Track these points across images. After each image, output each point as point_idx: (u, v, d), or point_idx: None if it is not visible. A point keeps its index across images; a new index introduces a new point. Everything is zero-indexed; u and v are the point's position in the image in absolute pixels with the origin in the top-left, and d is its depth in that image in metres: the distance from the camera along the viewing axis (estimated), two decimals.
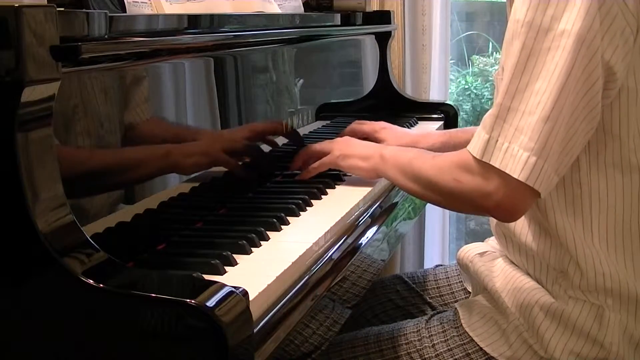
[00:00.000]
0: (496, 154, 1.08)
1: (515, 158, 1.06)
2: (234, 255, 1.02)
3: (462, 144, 1.53)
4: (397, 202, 1.51)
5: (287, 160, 1.52)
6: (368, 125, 1.67)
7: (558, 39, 1.04)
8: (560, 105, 1.05)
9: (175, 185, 1.18)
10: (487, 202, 1.11)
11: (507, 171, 1.07)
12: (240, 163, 1.37)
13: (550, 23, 1.05)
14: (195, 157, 1.23)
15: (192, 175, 1.23)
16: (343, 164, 1.42)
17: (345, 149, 1.43)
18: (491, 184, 1.10)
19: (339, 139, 1.51)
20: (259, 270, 1.00)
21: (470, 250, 1.40)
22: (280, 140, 1.55)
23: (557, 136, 1.06)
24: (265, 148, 1.49)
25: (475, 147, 1.11)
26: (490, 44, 3.11)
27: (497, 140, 1.08)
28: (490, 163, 1.09)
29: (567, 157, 1.09)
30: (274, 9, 1.63)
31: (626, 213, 1.16)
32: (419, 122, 2.12)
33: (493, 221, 1.32)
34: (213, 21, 1.32)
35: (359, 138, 1.55)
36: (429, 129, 1.99)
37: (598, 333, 1.16)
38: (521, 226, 1.23)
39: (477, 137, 1.11)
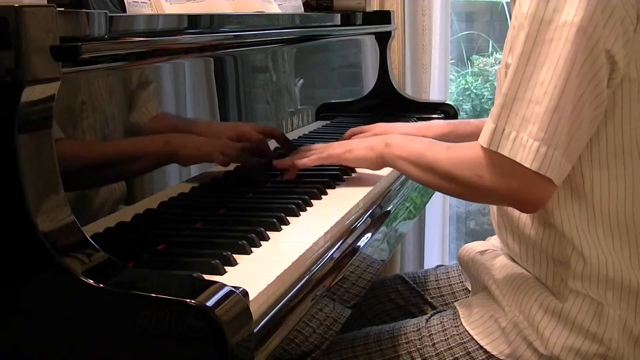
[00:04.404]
0: (504, 143, 1.10)
1: (525, 147, 1.08)
2: (234, 255, 1.02)
3: (466, 136, 1.53)
4: (397, 202, 1.51)
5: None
6: (365, 128, 1.66)
7: (560, 30, 1.06)
8: (567, 94, 1.06)
9: (175, 185, 1.18)
10: (507, 195, 1.14)
11: (517, 160, 1.08)
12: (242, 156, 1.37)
13: (553, 15, 1.07)
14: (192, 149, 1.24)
15: (192, 175, 1.23)
16: (349, 156, 1.43)
17: (348, 144, 1.45)
18: (509, 178, 1.11)
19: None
20: (259, 270, 1.00)
21: (472, 249, 1.40)
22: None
23: (565, 124, 1.07)
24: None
25: (482, 136, 1.13)
26: (490, 44, 3.11)
27: (504, 129, 1.10)
28: (498, 151, 1.10)
29: (577, 144, 1.10)
30: (274, 9, 1.63)
31: (627, 204, 1.16)
32: (418, 122, 2.12)
33: (494, 213, 1.32)
34: (213, 21, 1.32)
35: None
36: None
37: (597, 329, 1.16)
38: (525, 217, 1.24)
39: (485, 128, 1.13)
